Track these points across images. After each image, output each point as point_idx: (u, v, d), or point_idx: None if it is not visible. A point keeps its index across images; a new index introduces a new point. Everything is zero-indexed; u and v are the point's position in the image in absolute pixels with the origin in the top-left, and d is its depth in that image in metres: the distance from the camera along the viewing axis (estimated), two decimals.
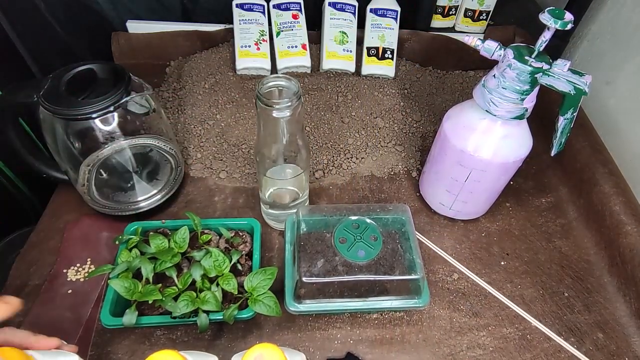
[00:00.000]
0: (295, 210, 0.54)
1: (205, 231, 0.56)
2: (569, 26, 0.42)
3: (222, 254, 0.50)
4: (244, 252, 0.54)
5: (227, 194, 0.65)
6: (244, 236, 0.56)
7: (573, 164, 0.69)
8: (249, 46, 0.81)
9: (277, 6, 0.83)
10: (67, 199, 0.62)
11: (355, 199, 0.66)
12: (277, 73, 0.81)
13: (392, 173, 0.70)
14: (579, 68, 0.47)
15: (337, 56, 0.82)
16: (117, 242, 0.52)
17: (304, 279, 0.47)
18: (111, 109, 0.50)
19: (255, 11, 0.82)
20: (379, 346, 0.51)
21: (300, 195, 0.58)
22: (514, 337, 0.53)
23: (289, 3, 0.83)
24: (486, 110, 0.49)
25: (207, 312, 0.47)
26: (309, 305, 0.49)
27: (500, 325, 0.54)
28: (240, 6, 0.82)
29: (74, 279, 0.54)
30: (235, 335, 0.51)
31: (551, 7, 0.43)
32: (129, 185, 0.61)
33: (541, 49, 0.46)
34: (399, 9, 0.83)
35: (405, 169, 0.70)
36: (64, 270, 0.55)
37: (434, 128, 0.76)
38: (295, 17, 0.84)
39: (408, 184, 0.69)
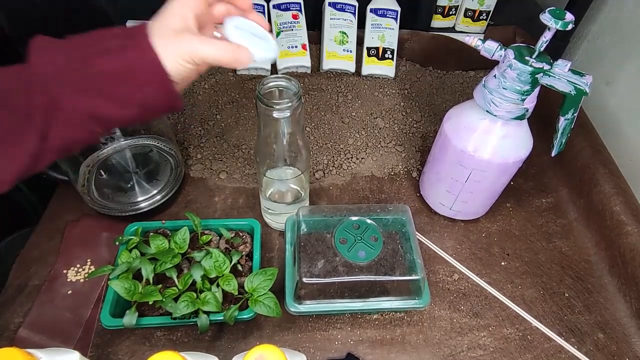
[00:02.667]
0: (295, 211, 0.54)
1: (206, 232, 0.56)
2: (570, 26, 0.42)
3: (223, 255, 0.50)
4: (244, 252, 0.54)
5: (227, 194, 0.65)
6: (244, 237, 0.56)
7: (573, 165, 0.69)
8: None
9: (277, 6, 0.83)
10: (67, 199, 0.62)
11: (356, 199, 0.66)
12: (277, 73, 0.81)
13: (392, 173, 0.70)
14: (579, 68, 0.46)
15: (337, 56, 0.82)
16: (117, 243, 0.52)
17: (304, 279, 0.47)
18: None
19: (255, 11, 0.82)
20: (379, 347, 0.51)
21: (301, 195, 0.58)
22: (514, 338, 0.53)
23: (289, 3, 0.83)
24: (487, 111, 0.49)
25: (208, 313, 0.47)
26: (310, 306, 0.49)
27: (501, 325, 0.54)
28: None
29: (74, 280, 0.54)
30: (235, 336, 0.51)
31: (552, 7, 0.43)
32: (129, 185, 0.61)
33: (542, 49, 0.46)
34: (399, 9, 0.83)
35: (406, 169, 0.70)
36: (64, 271, 0.55)
37: (434, 128, 0.76)
38: (295, 17, 0.84)
39: (408, 184, 0.68)
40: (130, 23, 0.84)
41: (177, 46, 0.32)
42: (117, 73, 0.31)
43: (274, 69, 0.83)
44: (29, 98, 0.30)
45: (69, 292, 0.53)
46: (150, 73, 0.32)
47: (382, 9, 0.83)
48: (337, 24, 0.83)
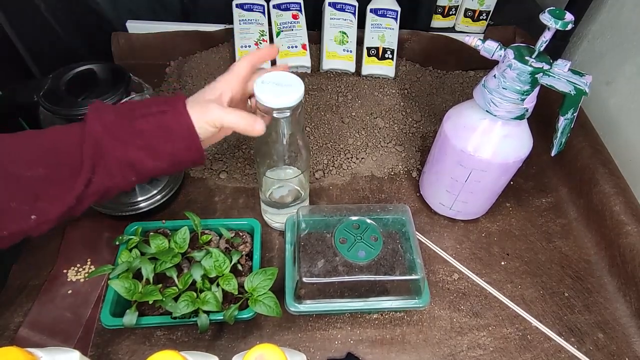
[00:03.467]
0: (295, 211, 0.54)
1: (206, 231, 0.56)
2: (570, 26, 0.42)
3: (223, 255, 0.50)
4: (244, 252, 0.54)
5: (227, 194, 0.65)
6: (244, 236, 0.56)
7: (573, 164, 0.69)
8: (249, 46, 0.81)
9: (277, 6, 0.83)
10: None
11: (356, 199, 0.66)
12: None
13: (392, 173, 0.70)
14: (579, 68, 0.47)
15: (337, 56, 0.82)
16: (117, 243, 0.52)
17: (304, 279, 0.47)
18: None
19: (255, 11, 0.82)
20: (379, 346, 0.51)
21: (301, 195, 0.58)
22: (514, 337, 0.53)
23: (289, 3, 0.83)
24: (486, 111, 0.49)
25: (208, 313, 0.47)
26: (310, 306, 0.49)
27: (501, 325, 0.54)
28: (240, 6, 0.82)
29: (74, 279, 0.54)
30: (235, 335, 0.51)
31: (551, 7, 0.43)
32: None
33: (541, 49, 0.46)
34: (399, 9, 0.83)
35: (406, 169, 0.70)
36: (64, 271, 0.55)
37: (434, 128, 0.76)
38: (295, 17, 0.84)
39: (408, 184, 0.69)
40: (130, 23, 0.84)
41: (205, 112, 0.39)
42: (155, 130, 0.38)
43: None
44: (82, 149, 0.36)
45: (69, 291, 0.53)
46: (182, 131, 0.38)
47: (382, 9, 0.83)
48: (337, 24, 0.83)
